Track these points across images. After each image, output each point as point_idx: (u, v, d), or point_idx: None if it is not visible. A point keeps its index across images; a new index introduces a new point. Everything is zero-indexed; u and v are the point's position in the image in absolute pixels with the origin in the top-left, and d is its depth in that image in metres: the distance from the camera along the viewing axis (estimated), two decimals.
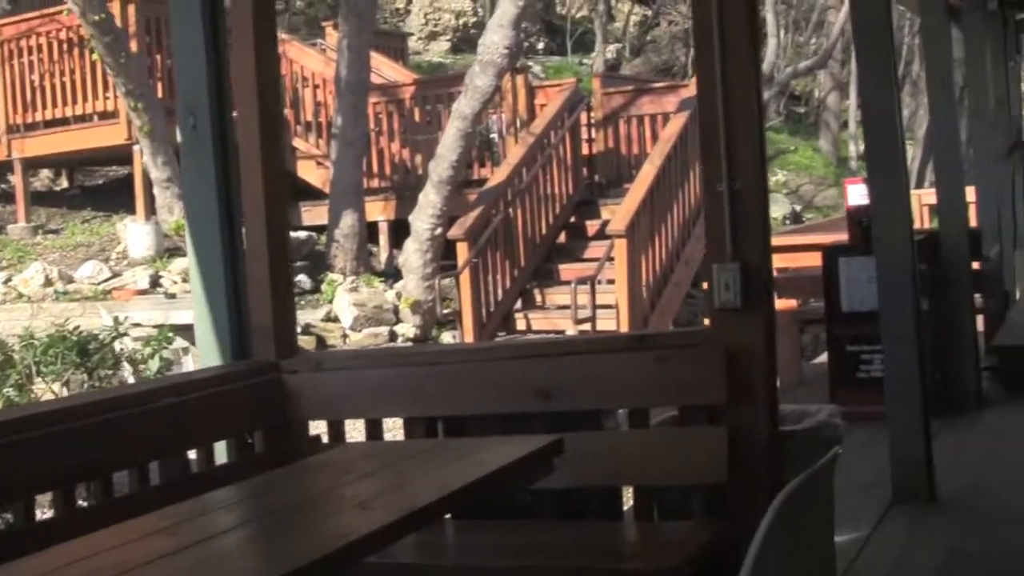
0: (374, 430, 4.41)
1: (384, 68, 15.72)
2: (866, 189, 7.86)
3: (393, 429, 5.48)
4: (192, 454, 4.08)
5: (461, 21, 26.81)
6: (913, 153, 24.84)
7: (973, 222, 9.27)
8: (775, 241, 9.69)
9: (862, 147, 28.42)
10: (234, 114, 4.37)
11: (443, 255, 12.48)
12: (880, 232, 5.76)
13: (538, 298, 12.29)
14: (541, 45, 29.59)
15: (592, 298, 10.78)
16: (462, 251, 11.63)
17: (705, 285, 3.99)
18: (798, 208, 23.16)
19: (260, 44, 4.35)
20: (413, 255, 12.35)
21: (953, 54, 8.01)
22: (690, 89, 12.53)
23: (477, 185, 13.03)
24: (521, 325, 12.10)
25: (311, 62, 14.73)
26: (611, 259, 10.90)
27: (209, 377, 4.25)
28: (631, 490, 4.11)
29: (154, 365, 10.31)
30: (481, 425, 4.19)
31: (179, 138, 4.43)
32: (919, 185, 21.42)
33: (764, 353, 3.77)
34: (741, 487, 3.72)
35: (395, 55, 17.50)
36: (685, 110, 12.23)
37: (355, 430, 4.64)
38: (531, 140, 12.48)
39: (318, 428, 4.55)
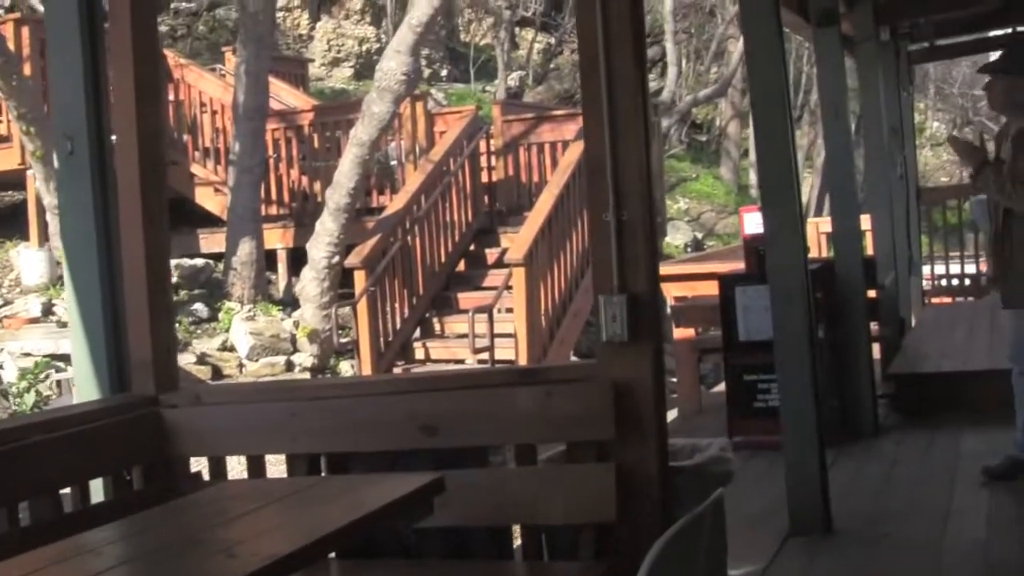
0: (256, 467, 4.27)
1: (284, 94, 15.54)
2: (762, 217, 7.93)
3: (278, 463, 5.33)
4: (69, 491, 3.92)
5: (364, 47, 26.66)
6: (812, 182, 25.17)
7: (869, 250, 9.34)
8: (673, 270, 9.78)
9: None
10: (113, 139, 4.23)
11: (342, 283, 12.32)
12: (774, 261, 5.73)
13: (437, 327, 12.17)
14: (445, 72, 29.53)
15: (490, 327, 10.68)
16: (360, 279, 11.46)
17: None
18: (699, 236, 23.33)
19: (140, 67, 4.21)
20: (310, 284, 12.17)
21: (847, 84, 8.03)
22: None
23: (376, 213, 12.89)
24: (420, 354, 11.96)
25: (210, 87, 14.52)
26: (509, 288, 10.81)
27: (84, 412, 4.09)
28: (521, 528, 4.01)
29: (29, 399, 9.99)
30: (365, 462, 4.07)
31: (55, 164, 4.28)
32: (818, 213, 21.67)
33: (653, 387, 3.69)
34: (631, 525, 3.64)
35: (295, 81, 17.31)
36: (582, 138, 12.16)
37: (240, 464, 4.50)
38: (430, 167, 12.36)
39: (201, 464, 4.41)
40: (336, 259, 12.00)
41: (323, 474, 4.08)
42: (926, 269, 13.63)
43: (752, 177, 26.03)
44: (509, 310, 10.97)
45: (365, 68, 25.86)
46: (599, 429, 3.68)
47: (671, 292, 9.23)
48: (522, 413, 3.80)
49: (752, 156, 26.54)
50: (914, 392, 8.47)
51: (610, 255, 3.68)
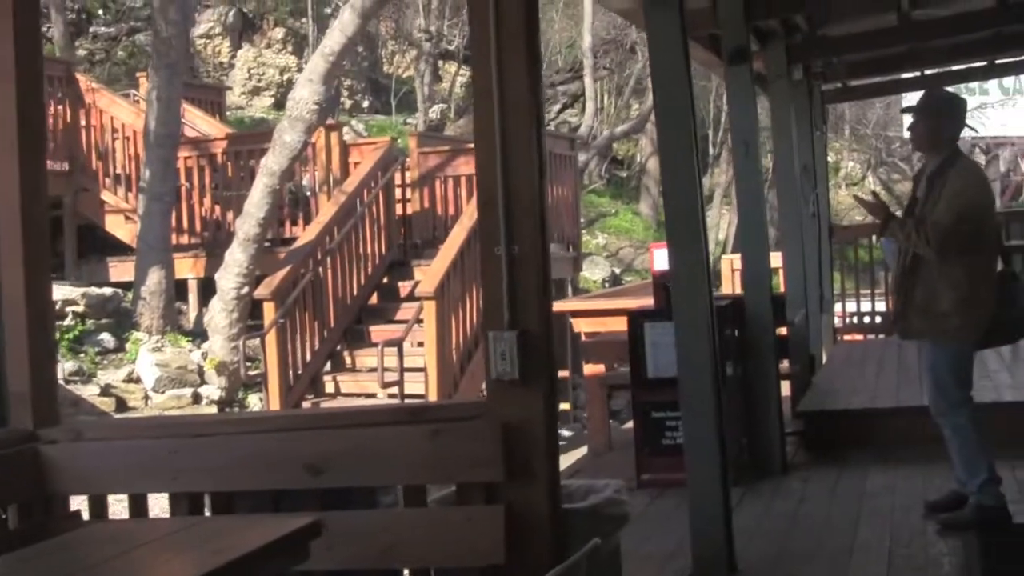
0: (138, 506, 4.12)
1: (199, 122, 15.31)
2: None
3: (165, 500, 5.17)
4: None
5: (285, 77, 26.46)
6: (731, 219, 25.30)
7: (782, 288, 9.34)
8: (584, 305, 9.74)
9: None
10: None
11: (252, 315, 12.13)
12: (679, 298, 5.66)
13: (348, 360, 12.00)
14: (366, 103, 29.41)
15: (400, 361, 10.53)
16: (269, 311, 11.27)
17: None
18: (617, 271, 23.36)
19: (23, 86, 4.07)
20: (219, 315, 11.96)
21: (759, 122, 8.03)
22: None
23: (290, 243, 12.70)
24: (330, 388, 11.78)
25: (122, 113, 14.27)
26: (420, 321, 10.68)
27: None
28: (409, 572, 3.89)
29: None
30: (250, 502, 3.94)
31: None
32: (737, 250, 21.71)
33: (544, 428, 3.59)
34: (521, 568, 3.53)
35: (212, 109, 17.07)
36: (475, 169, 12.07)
37: (122, 502, 4.34)
38: (343, 198, 12.21)
39: (82, 502, 4.25)
40: (245, 290, 11.80)
41: (207, 513, 3.94)
42: (838, 307, 13.71)
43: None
44: (420, 344, 10.84)
45: (286, 97, 25.65)
46: (488, 470, 3.58)
47: (582, 327, 9.16)
48: (409, 453, 3.69)
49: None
50: (823, 429, 8.46)
51: (501, 290, 3.58)
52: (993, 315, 5.93)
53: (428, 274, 10.70)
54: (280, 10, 26.99)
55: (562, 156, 14.05)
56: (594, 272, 21.99)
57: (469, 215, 11.51)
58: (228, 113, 23.91)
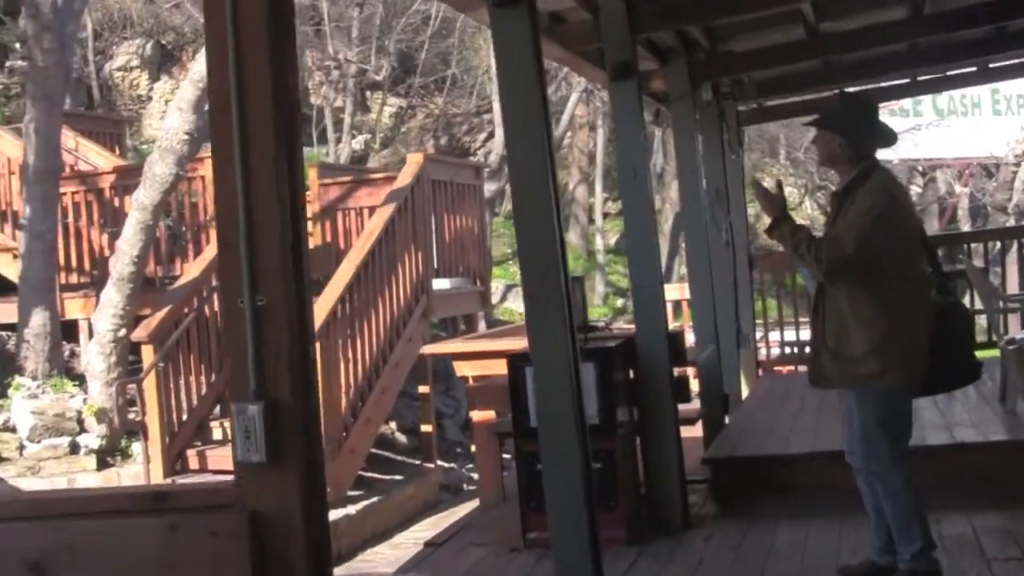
0: None
1: (92, 155, 14.49)
2: None
3: None
4: None
5: (204, 107, 25.69)
6: (662, 248, 24.73)
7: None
8: (464, 347, 9.03)
9: (611, 240, 28.29)
10: None
11: (135, 358, 11.36)
12: (535, 338, 5.00)
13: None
14: None
15: None
16: (148, 354, 10.51)
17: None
18: None
19: None
20: (96, 358, 11.17)
21: (647, 143, 7.38)
22: (400, 179, 11.80)
23: (173, 282, 11.91)
24: (218, 434, 11.02)
25: (6, 147, 13.43)
26: None
27: None
28: None
29: None
30: None
31: None
32: (667, 279, 21.13)
33: (303, 519, 2.88)
34: None
35: (111, 141, 16.22)
36: (393, 201, 11.45)
37: None
38: None
39: None
40: (123, 332, 11.02)
41: None
42: (774, 336, 13.10)
43: (600, 242, 25.53)
44: None
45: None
46: (232, 570, 2.86)
47: (465, 371, 8.48)
48: (143, 550, 2.99)
49: (599, 221, 26.09)
50: (731, 477, 7.80)
51: (245, 351, 2.88)
52: (929, 355, 5.20)
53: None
54: (199, 41, 26.19)
55: (466, 185, 13.39)
56: (518, 303, 21.32)
57: (360, 249, 10.81)
58: (144, 147, 23.15)
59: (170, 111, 10.76)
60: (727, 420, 9.28)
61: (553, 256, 4.90)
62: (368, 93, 29.57)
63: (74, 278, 13.11)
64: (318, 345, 9.68)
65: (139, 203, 10.79)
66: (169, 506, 3.01)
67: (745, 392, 10.84)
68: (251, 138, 2.89)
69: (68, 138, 14.44)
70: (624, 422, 7.07)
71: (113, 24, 25.48)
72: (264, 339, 2.89)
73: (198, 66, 10.53)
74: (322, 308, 9.96)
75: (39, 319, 11.97)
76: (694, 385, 9.56)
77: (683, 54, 8.85)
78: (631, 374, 7.20)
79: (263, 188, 2.89)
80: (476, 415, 8.43)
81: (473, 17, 7.21)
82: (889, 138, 5.51)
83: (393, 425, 13.78)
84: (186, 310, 10.97)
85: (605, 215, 31.01)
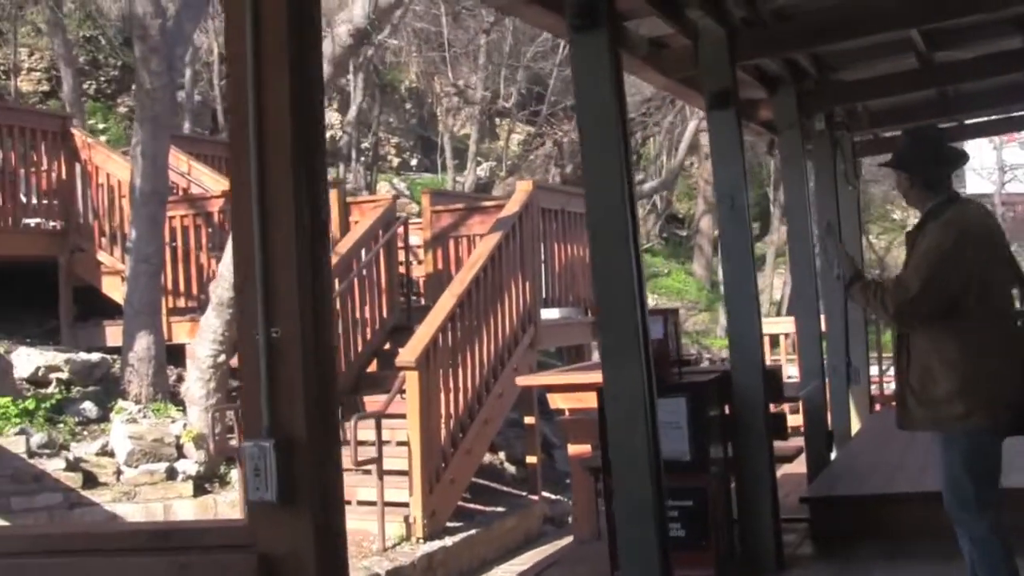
0: None
1: (205, 179, 14.66)
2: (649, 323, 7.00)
3: None
4: None
5: (328, 134, 25.92)
6: (786, 278, 24.28)
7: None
8: (555, 379, 8.86)
9: None
10: None
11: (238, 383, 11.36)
12: (610, 377, 4.82)
13: (342, 432, 11.16)
14: (415, 161, 28.83)
15: (378, 435, 9.68)
16: None
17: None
18: None
19: None
20: (195, 384, 11.19)
21: (745, 171, 7.12)
22: (508, 207, 11.68)
23: None
24: None
25: (117, 170, 13.60)
26: (403, 392, 9.84)
27: None
28: None
29: None
30: None
31: None
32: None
33: (316, 564, 2.74)
34: None
35: (223, 165, 16.31)
36: (499, 230, 11.31)
37: None
38: (336, 260, 11.42)
39: None
40: (222, 358, 11.02)
41: None
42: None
43: (722, 274, 25.11)
44: (402, 416, 10.00)
45: (332, 155, 25.17)
46: None
47: (558, 404, 8.29)
48: None
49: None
50: (830, 517, 7.49)
51: (258, 386, 2.74)
52: (1018, 394, 4.91)
53: (411, 342, 9.86)
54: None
55: (578, 214, 13.21)
56: None
57: (461, 279, 10.69)
58: None
59: None
60: (832, 457, 8.99)
61: (628, 288, 4.72)
62: (497, 120, 29.64)
63: (182, 302, 13.20)
64: (416, 375, 9.60)
65: None
66: (180, 545, 2.90)
67: (856, 428, 10.47)
68: (268, 160, 2.78)
69: (181, 161, 14.63)
70: (717, 459, 6.85)
71: None
72: (278, 373, 2.76)
73: None
74: (421, 338, 9.86)
75: (143, 343, 12.03)
76: (797, 420, 9.29)
77: (791, 83, 8.61)
78: (726, 410, 6.98)
79: (280, 213, 2.77)
80: (572, 449, 8.24)
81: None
82: (955, 162, 5.39)
83: (502, 455, 13.64)
84: None
85: None
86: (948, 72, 8.78)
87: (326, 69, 10.12)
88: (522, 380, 9.96)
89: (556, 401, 8.29)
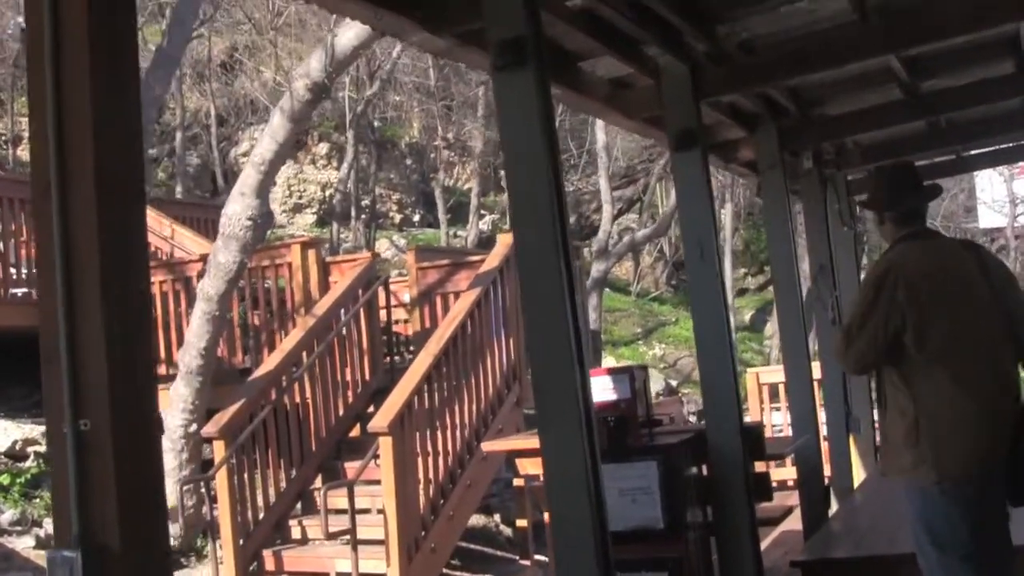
0: None
1: (188, 242, 14.28)
2: (614, 383, 6.57)
3: None
4: None
5: (327, 192, 25.67)
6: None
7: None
8: (528, 443, 8.41)
9: (745, 316, 27.38)
10: None
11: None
12: (544, 436, 4.39)
13: (320, 501, 10.68)
14: (417, 217, 28.51)
15: (350, 503, 9.22)
16: (219, 450, 10.04)
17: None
18: (674, 382, 21.91)
19: None
20: (167, 455, 10.74)
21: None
22: (488, 262, 11.27)
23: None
24: (296, 533, 10.47)
25: None
26: (378, 458, 9.39)
27: None
28: None
29: None
30: None
31: None
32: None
33: None
34: None
35: (207, 228, 15.93)
36: (479, 285, 10.89)
37: None
38: (311, 322, 11.00)
39: None
40: (193, 427, 10.58)
41: None
42: None
43: (732, 319, 24.59)
44: (376, 481, 9.55)
45: (328, 214, 24.89)
46: None
47: (528, 469, 7.85)
48: None
49: (728, 298, 25.21)
50: None
51: (66, 488, 2.33)
52: (993, 453, 4.48)
53: (384, 406, 9.39)
54: (325, 124, 26.23)
55: None
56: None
57: (439, 338, 10.23)
58: (268, 232, 23.07)
59: (232, 196, 10.33)
60: (830, 514, 8.50)
61: (564, 345, 4.29)
62: (500, 172, 29.34)
63: (163, 369, 12.78)
64: (390, 440, 9.16)
65: (204, 293, 10.39)
66: None
67: (859, 481, 9.98)
68: (73, 216, 2.36)
69: (164, 226, 14.29)
70: (696, 523, 6.42)
71: (239, 110, 25.65)
72: (88, 471, 2.34)
73: (259, 148, 10.12)
74: (395, 401, 9.43)
75: None
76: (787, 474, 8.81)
77: (770, 120, 8.22)
78: (704, 470, 6.56)
79: (86, 283, 2.35)
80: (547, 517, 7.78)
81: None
82: (918, 195, 4.99)
83: (497, 517, 13.18)
84: (262, 403, 10.50)
85: (743, 291, 30.15)
86: (937, 101, 8.35)
87: (286, 125, 9.76)
88: (487, 446, 9.51)
89: (526, 467, 7.85)
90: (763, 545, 8.00)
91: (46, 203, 2.37)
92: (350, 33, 9.56)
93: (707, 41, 6.31)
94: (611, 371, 6.58)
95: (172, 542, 10.47)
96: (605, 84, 6.97)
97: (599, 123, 20.64)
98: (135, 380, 2.40)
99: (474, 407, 10.53)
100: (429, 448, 9.84)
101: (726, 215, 25.99)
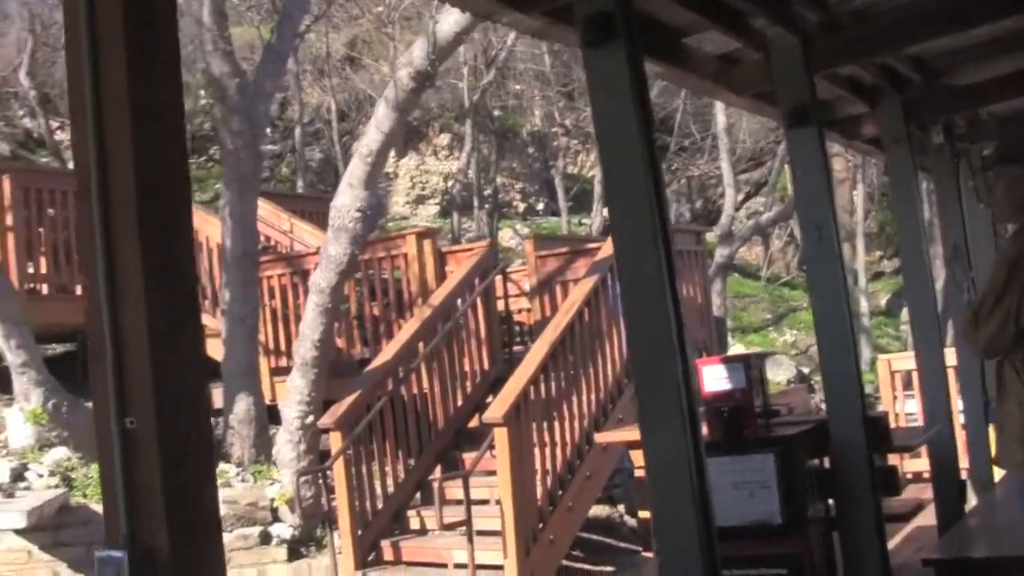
0: None
1: (307, 236, 14.33)
2: (728, 372, 6.32)
3: None
4: None
5: (449, 183, 25.69)
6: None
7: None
8: (623, 436, 8.18)
9: (881, 300, 26.69)
10: None
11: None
12: (644, 429, 4.17)
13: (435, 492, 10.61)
14: (541, 206, 28.37)
15: (466, 494, 9.10)
16: (335, 441, 10.04)
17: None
18: (806, 370, 21.40)
19: None
20: (285, 446, 10.77)
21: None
22: (604, 250, 11.05)
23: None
24: (415, 523, 10.42)
25: (215, 232, 13.35)
26: (493, 448, 9.26)
27: None
28: None
29: None
30: None
31: None
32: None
33: None
34: None
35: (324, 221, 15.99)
36: (595, 274, 10.69)
37: None
38: (428, 312, 10.92)
39: None
40: (310, 418, 10.59)
41: None
42: None
43: (864, 304, 23.97)
44: (491, 472, 9.43)
45: (451, 204, 24.91)
46: None
47: (640, 460, 7.60)
48: None
49: (862, 283, 24.61)
50: None
51: (114, 487, 2.20)
52: None
53: (500, 396, 9.28)
54: (444, 117, 26.24)
55: (687, 252, 12.49)
56: (777, 374, 20.13)
57: (555, 326, 10.07)
58: (391, 224, 23.17)
59: (341, 188, 10.29)
60: (967, 510, 8.11)
61: (665, 336, 4.08)
62: None
63: (283, 362, 12.85)
64: (505, 430, 9.02)
65: (316, 286, 10.38)
66: None
67: (999, 475, 9.54)
68: (113, 210, 2.23)
69: (283, 220, 14.36)
70: (817, 518, 6.14)
71: (359, 105, 25.76)
72: (133, 470, 2.21)
73: (365, 139, 10.05)
74: (510, 391, 9.29)
75: (243, 405, 11.72)
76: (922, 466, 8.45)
77: (893, 93, 7.82)
78: (826, 463, 6.28)
79: (130, 280, 2.22)
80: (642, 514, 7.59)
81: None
82: None
83: (621, 508, 12.99)
84: (378, 394, 10.45)
85: (878, 275, 29.40)
86: None
87: (391, 115, 9.66)
88: (601, 436, 9.30)
89: (638, 458, 7.62)
90: (893, 541, 7.69)
91: (86, 199, 2.25)
92: (451, 19, 9.45)
93: (818, 10, 6.01)
94: (725, 360, 6.33)
95: (291, 532, 10.50)
96: (713, 60, 6.68)
97: (719, 104, 20.22)
98: (182, 378, 2.26)
99: (593, 396, 10.34)
100: (547, 438, 9.68)
101: (858, 196, 25.35)
